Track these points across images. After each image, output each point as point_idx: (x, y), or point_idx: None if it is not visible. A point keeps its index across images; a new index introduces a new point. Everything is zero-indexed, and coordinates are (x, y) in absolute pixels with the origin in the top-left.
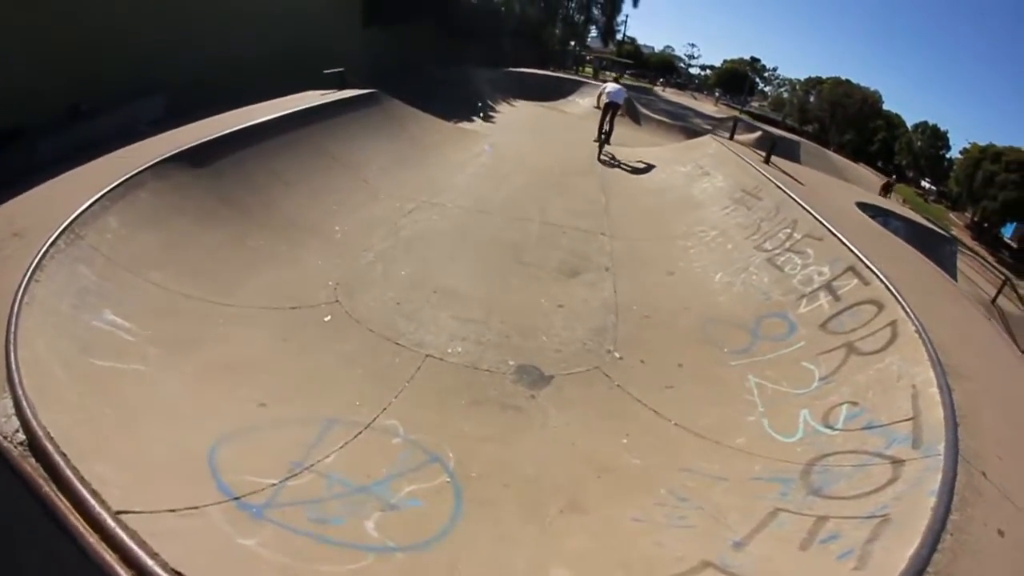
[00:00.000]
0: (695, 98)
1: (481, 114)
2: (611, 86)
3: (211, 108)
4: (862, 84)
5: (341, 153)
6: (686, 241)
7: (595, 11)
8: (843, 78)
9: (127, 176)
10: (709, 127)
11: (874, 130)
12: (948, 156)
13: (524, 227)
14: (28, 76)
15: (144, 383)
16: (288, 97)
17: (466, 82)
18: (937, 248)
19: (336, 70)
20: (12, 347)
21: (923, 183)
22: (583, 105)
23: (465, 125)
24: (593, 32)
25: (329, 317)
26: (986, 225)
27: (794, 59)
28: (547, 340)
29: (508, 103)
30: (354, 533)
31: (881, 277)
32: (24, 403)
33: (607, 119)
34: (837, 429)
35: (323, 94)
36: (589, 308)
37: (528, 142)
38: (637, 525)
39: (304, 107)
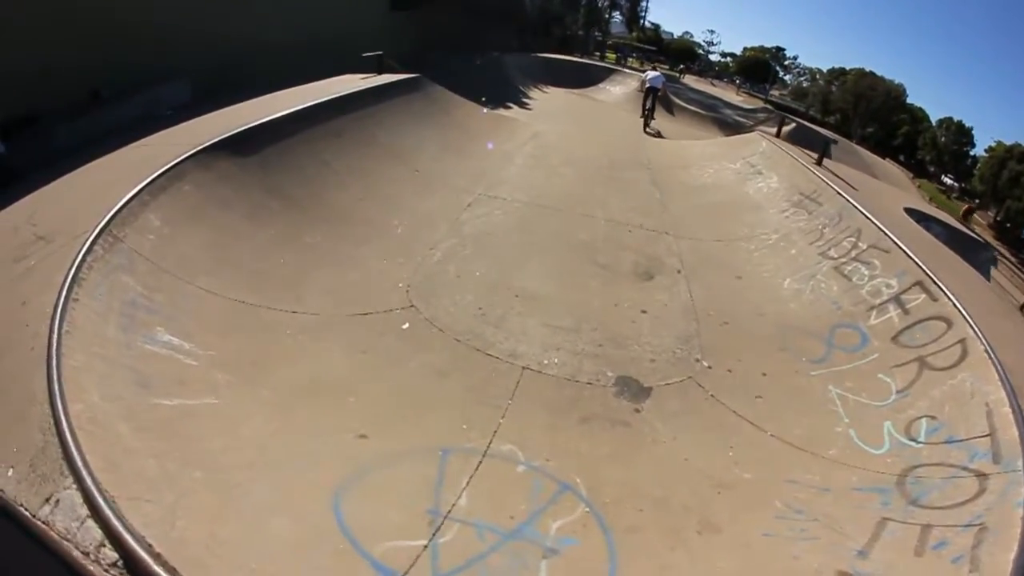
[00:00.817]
0: (714, 85)
1: (515, 100)
2: (651, 73)
3: (239, 93)
4: (886, 77)
5: (390, 141)
6: (749, 243)
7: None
8: (867, 70)
9: (169, 166)
10: (741, 119)
11: (898, 124)
12: (972, 153)
13: (589, 224)
14: (43, 58)
15: (221, 421)
16: (325, 81)
17: (497, 67)
18: (975, 254)
19: (375, 53)
20: (61, 406)
21: (945, 179)
22: (615, 93)
23: (503, 112)
24: (616, 17)
25: (407, 325)
26: (1008, 225)
27: (814, 48)
28: (639, 349)
29: (539, 89)
30: None
31: (949, 295)
32: (100, 500)
33: (648, 101)
34: (921, 442)
35: (364, 78)
36: (671, 314)
37: (569, 131)
38: (769, 540)
39: (349, 92)
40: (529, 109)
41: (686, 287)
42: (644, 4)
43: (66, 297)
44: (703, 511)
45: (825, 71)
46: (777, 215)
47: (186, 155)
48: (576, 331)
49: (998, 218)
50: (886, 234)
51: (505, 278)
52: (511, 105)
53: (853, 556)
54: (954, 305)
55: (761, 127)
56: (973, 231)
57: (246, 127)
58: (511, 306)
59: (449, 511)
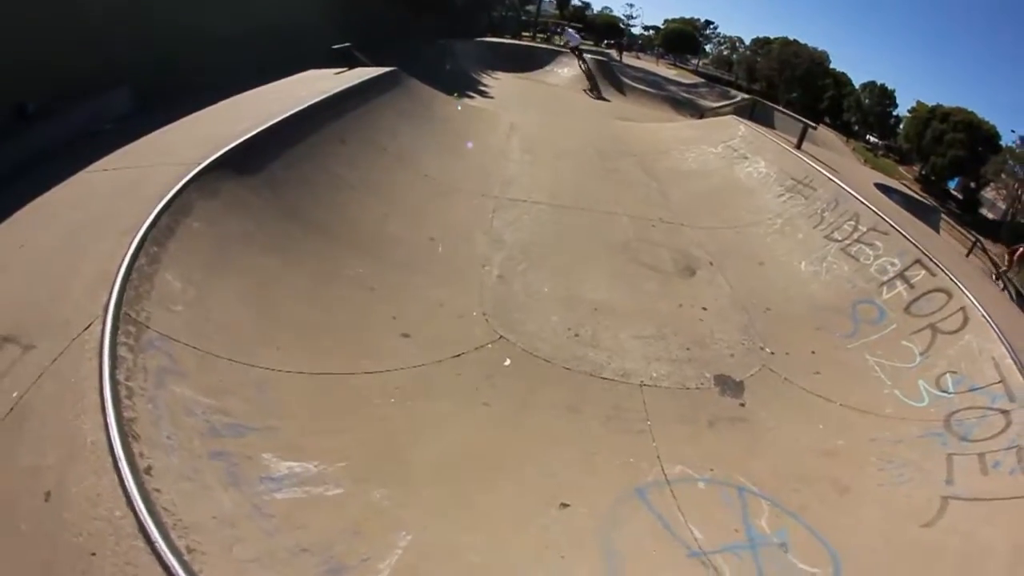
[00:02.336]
0: (639, 59)
1: (474, 89)
2: (570, 31)
3: (191, 98)
4: (809, 44)
5: (391, 144)
6: (757, 229)
7: None
8: (791, 38)
9: (169, 197)
10: (688, 95)
11: (822, 88)
12: (895, 113)
13: (614, 223)
14: None
15: (426, 549)
16: (294, 79)
17: (444, 55)
18: (926, 216)
19: (343, 45)
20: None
21: (870, 138)
22: (564, 75)
23: (467, 102)
24: None
25: (508, 361)
26: (933, 179)
27: (733, 16)
28: (717, 347)
29: (491, 76)
30: None
31: (945, 271)
32: None
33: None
34: (951, 393)
35: (337, 73)
36: (724, 307)
37: (541, 121)
38: (883, 488)
39: (341, 90)
40: (491, 98)
41: (723, 279)
42: None
43: (117, 420)
44: (830, 477)
45: (747, 41)
46: (774, 200)
47: (186, 179)
48: (662, 339)
49: (923, 172)
50: (883, 219)
51: (572, 291)
52: (472, 94)
53: (944, 485)
54: (951, 279)
55: (707, 100)
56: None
57: (246, 137)
58: (596, 321)
59: (699, 548)
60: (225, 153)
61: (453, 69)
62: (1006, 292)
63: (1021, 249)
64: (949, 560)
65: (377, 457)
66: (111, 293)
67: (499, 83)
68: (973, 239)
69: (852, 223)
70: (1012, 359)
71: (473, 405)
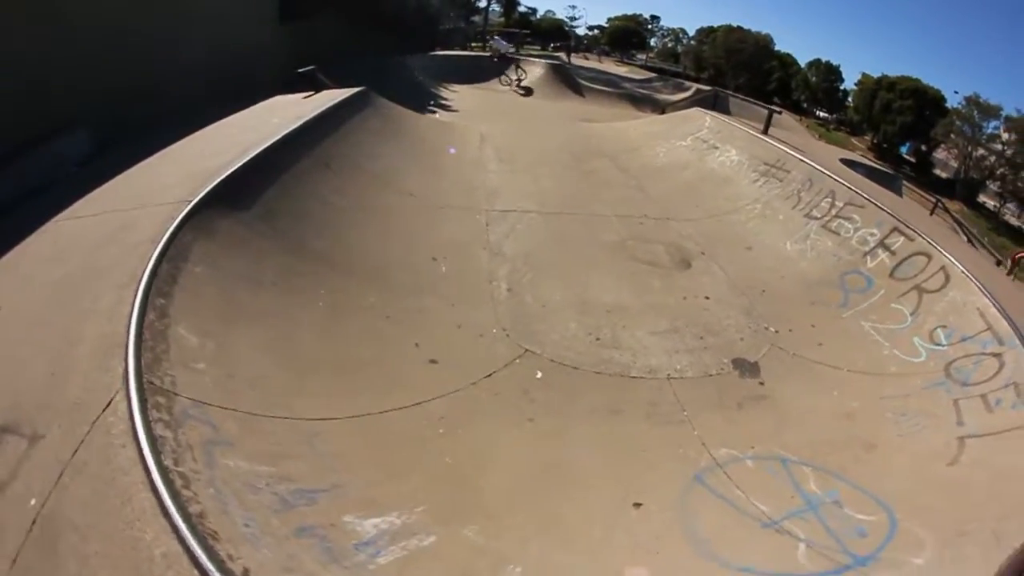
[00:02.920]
0: (587, 59)
1: (435, 103)
2: (502, 42)
3: (156, 135)
4: (752, 29)
5: (373, 166)
6: (739, 215)
7: None
8: (735, 25)
9: (165, 241)
10: (645, 91)
11: (769, 71)
12: (842, 88)
13: (605, 223)
14: None
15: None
16: (263, 106)
17: (401, 71)
18: (890, 183)
19: (308, 68)
20: None
21: (819, 113)
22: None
23: (432, 117)
24: (495, 6)
25: (540, 374)
26: (886, 146)
27: (674, 9)
28: (728, 332)
29: (448, 88)
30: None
31: (922, 235)
32: None
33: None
34: (944, 345)
35: (305, 97)
36: (724, 294)
37: (509, 129)
38: (903, 438)
39: (317, 114)
40: (455, 111)
41: (718, 267)
42: None
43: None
44: (856, 437)
45: (691, 32)
46: (750, 186)
47: (179, 220)
48: (676, 332)
49: (875, 141)
50: (858, 193)
51: (582, 296)
52: (435, 109)
53: (956, 427)
54: (928, 242)
55: (663, 93)
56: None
57: (233, 169)
58: (612, 323)
59: (769, 519)
60: (215, 188)
61: (412, 85)
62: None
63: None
64: (980, 489)
65: (450, 493)
66: (126, 359)
67: (459, 95)
68: (934, 200)
69: (829, 200)
70: (995, 307)
71: (519, 423)
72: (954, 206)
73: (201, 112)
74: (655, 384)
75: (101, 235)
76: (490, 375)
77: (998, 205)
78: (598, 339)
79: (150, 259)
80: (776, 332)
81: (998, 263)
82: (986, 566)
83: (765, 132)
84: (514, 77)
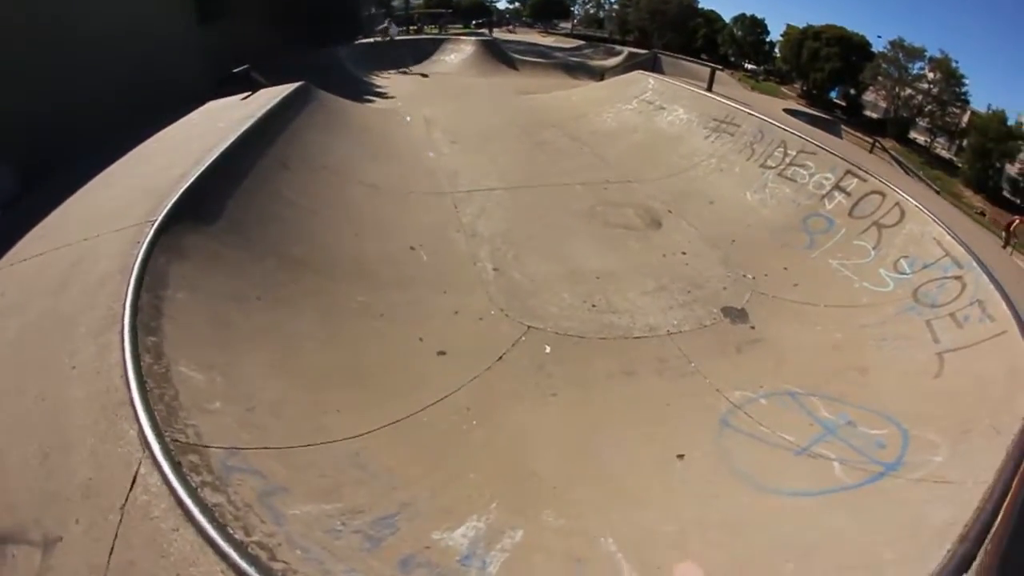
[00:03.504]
0: (513, 32)
1: (372, 92)
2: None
3: (88, 159)
4: None
5: (331, 162)
6: (696, 172)
7: None
8: None
9: (137, 273)
10: (577, 59)
11: (694, 29)
12: (768, 40)
13: (571, 192)
14: None
15: None
16: (200, 113)
17: (330, 62)
18: (830, 128)
19: (242, 68)
20: None
21: (747, 66)
22: (452, 62)
23: (372, 105)
24: None
25: (548, 348)
26: (815, 92)
27: None
28: (710, 284)
29: (381, 76)
30: None
31: (874, 176)
32: None
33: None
34: (908, 273)
35: (243, 98)
36: (699, 248)
37: (453, 109)
38: (889, 357)
39: (262, 115)
40: (392, 97)
41: (687, 223)
42: None
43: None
44: (847, 364)
45: None
46: (703, 143)
47: (147, 243)
48: (664, 289)
49: (804, 88)
50: (809, 141)
51: (568, 266)
52: (371, 98)
53: (934, 344)
54: (881, 181)
55: (596, 60)
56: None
57: (192, 181)
58: (603, 288)
59: (799, 447)
60: (178, 202)
61: (343, 76)
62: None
63: (1018, 220)
64: (968, 394)
65: (511, 482)
66: (137, 419)
67: (392, 81)
68: (871, 140)
69: (781, 150)
70: (950, 235)
71: (544, 399)
72: (887, 144)
73: (133, 128)
74: (658, 341)
75: (55, 276)
76: (501, 357)
77: (928, 140)
78: (594, 306)
79: (126, 293)
80: (753, 278)
81: (936, 193)
82: (994, 452)
83: (709, 89)
84: (411, 67)
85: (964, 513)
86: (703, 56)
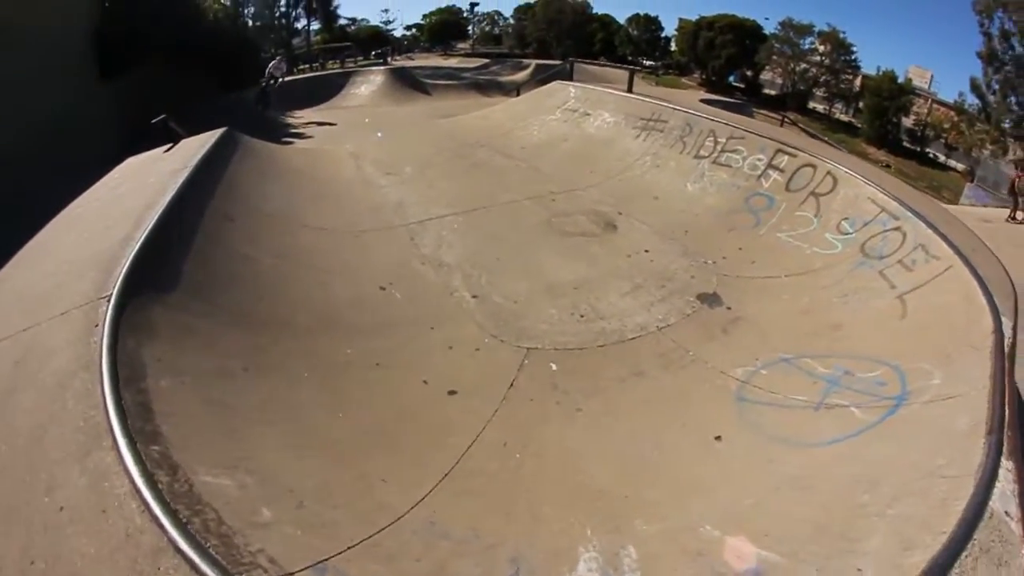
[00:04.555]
0: (412, 59)
1: (290, 133)
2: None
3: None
4: None
5: (269, 207)
6: (634, 171)
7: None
8: None
9: (108, 363)
10: (485, 76)
11: (591, 34)
12: (664, 35)
13: (522, 208)
14: None
15: None
16: (123, 169)
17: (242, 107)
18: (744, 111)
19: (160, 118)
20: None
21: (645, 62)
22: (364, 94)
23: (294, 146)
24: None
25: (555, 366)
26: (714, 79)
27: None
28: (679, 275)
29: (293, 116)
30: None
31: (803, 150)
32: None
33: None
34: (852, 232)
35: (166, 150)
36: (657, 243)
37: (375, 142)
38: (860, 312)
39: (196, 165)
40: (310, 137)
41: (639, 222)
42: (336, 4)
43: None
44: (822, 323)
45: (506, 13)
46: (634, 142)
47: (108, 323)
48: (641, 287)
49: (703, 76)
50: (736, 127)
51: (544, 282)
52: (289, 139)
53: (891, 290)
54: (810, 155)
55: (505, 75)
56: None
57: (141, 244)
58: (584, 297)
59: (813, 403)
60: (130, 272)
61: (257, 119)
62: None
63: (1016, 176)
64: (936, 326)
65: (588, 505)
66: (193, 566)
67: (307, 119)
68: (781, 116)
69: (711, 140)
70: (882, 192)
71: (570, 416)
72: (792, 116)
73: (41, 194)
74: (652, 338)
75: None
76: (512, 384)
77: (827, 107)
78: (582, 316)
79: (103, 394)
80: (714, 263)
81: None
82: (980, 364)
83: (630, 90)
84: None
85: (979, 414)
86: (602, 59)
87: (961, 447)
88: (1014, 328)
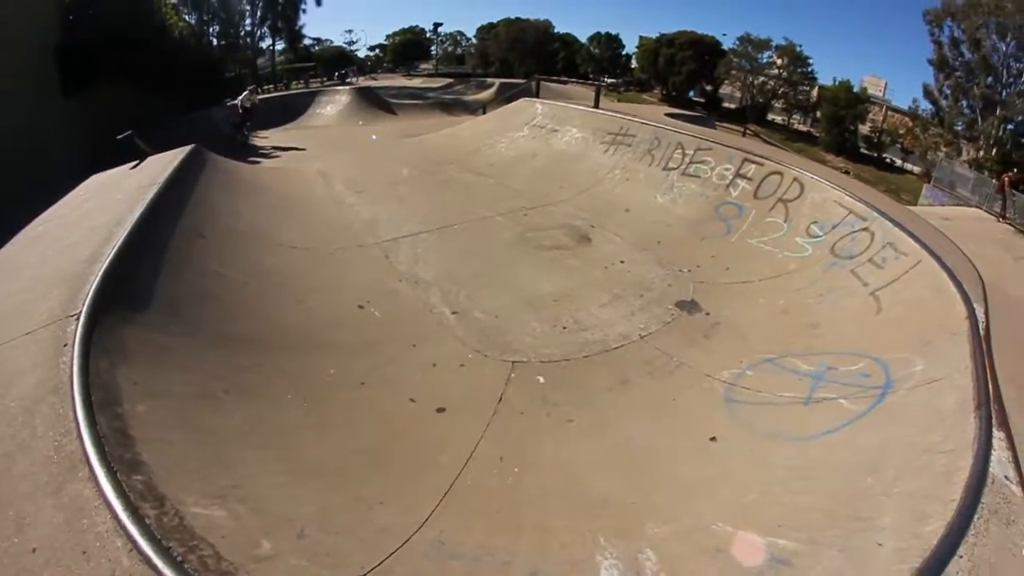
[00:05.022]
0: (375, 80)
1: (256, 153)
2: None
3: None
4: (531, 18)
5: (241, 225)
6: (603, 185)
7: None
8: (514, 17)
9: (80, 387)
10: (450, 96)
11: (553, 52)
12: (625, 53)
13: (495, 224)
14: None
15: None
16: (87, 187)
17: (207, 126)
18: (706, 124)
19: (126, 134)
20: None
21: (605, 80)
22: (330, 113)
23: (261, 165)
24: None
25: (542, 379)
26: (675, 94)
27: (455, 13)
28: (656, 285)
29: (257, 136)
30: None
31: (769, 158)
32: None
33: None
34: (821, 235)
35: (132, 167)
36: (632, 254)
37: (343, 160)
38: (837, 310)
39: (165, 182)
40: (277, 156)
41: (612, 233)
42: (301, 24)
43: None
44: (801, 322)
45: (468, 33)
46: (603, 156)
47: (78, 343)
48: (620, 298)
49: (664, 92)
50: (704, 139)
51: (523, 296)
52: (257, 159)
53: (864, 287)
54: (775, 163)
55: (470, 94)
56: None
57: (109, 261)
58: (564, 310)
59: (806, 398)
60: (99, 289)
61: (223, 138)
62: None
63: (1007, 177)
64: (910, 318)
65: (596, 514)
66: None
67: (274, 140)
68: (743, 128)
69: (679, 152)
70: (848, 195)
71: (563, 428)
72: (753, 128)
73: (3, 211)
74: (635, 346)
75: None
76: (501, 399)
77: (786, 118)
78: (564, 327)
79: (76, 420)
80: (689, 271)
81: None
82: (959, 347)
83: (596, 106)
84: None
85: (965, 392)
86: (563, 78)
87: (952, 424)
88: (986, 312)
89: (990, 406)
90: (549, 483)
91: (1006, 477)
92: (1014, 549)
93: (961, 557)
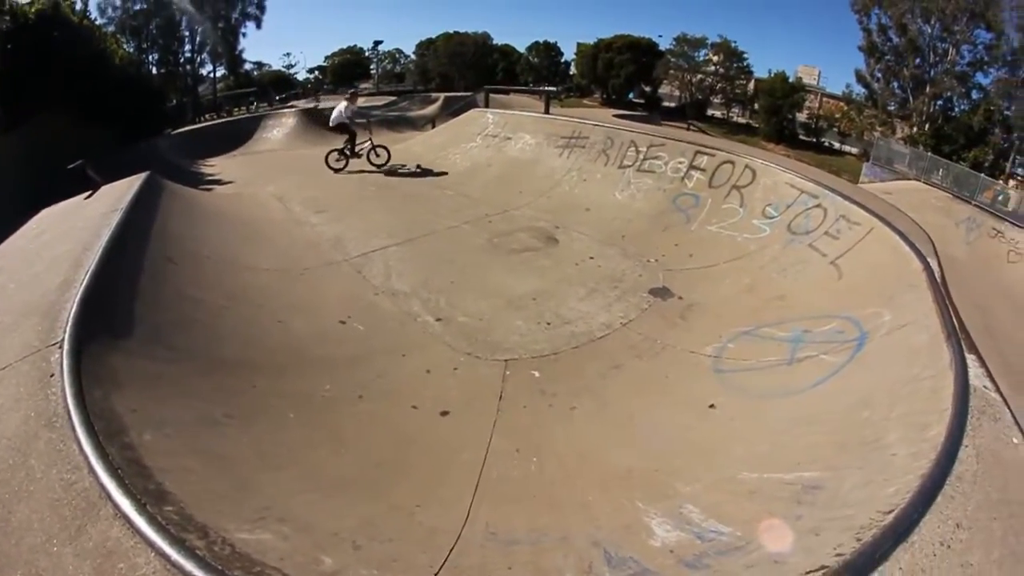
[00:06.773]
0: (319, 102)
1: (207, 181)
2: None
3: None
4: (470, 31)
5: (208, 251)
6: (562, 187)
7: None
8: (452, 31)
9: (81, 417)
10: (395, 112)
11: (493, 65)
12: (564, 60)
13: (462, 232)
14: None
15: None
16: (43, 218)
17: (153, 155)
18: (653, 121)
19: (77, 163)
20: None
21: (546, 88)
22: (277, 137)
23: (215, 191)
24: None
25: (537, 372)
26: (615, 97)
27: (395, 29)
28: (628, 276)
29: (206, 164)
30: None
31: (720, 148)
32: None
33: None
34: (776, 215)
35: (86, 197)
36: (600, 250)
37: (298, 182)
38: (802, 283)
39: (128, 208)
40: (229, 183)
41: (577, 232)
42: (241, 48)
43: None
44: (770, 295)
45: (407, 50)
46: (559, 160)
47: (67, 372)
48: (596, 291)
49: (604, 96)
50: (656, 136)
51: (503, 297)
52: (209, 185)
53: (824, 258)
54: (727, 152)
55: (415, 110)
56: None
57: (85, 286)
58: (545, 306)
59: (785, 359)
60: (79, 316)
61: (171, 167)
62: None
63: None
64: (870, 281)
65: (630, 487)
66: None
67: (222, 167)
68: (687, 123)
69: (632, 150)
70: (799, 177)
71: (567, 415)
72: (698, 124)
73: None
74: (620, 334)
75: None
76: (502, 396)
77: (725, 113)
78: (549, 323)
79: (85, 454)
80: (656, 261)
81: None
82: (921, 296)
83: (547, 112)
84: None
85: (934, 329)
86: (507, 87)
87: (929, 354)
88: (939, 264)
89: (958, 335)
90: (571, 465)
91: (985, 386)
92: (1006, 439)
93: (967, 447)
